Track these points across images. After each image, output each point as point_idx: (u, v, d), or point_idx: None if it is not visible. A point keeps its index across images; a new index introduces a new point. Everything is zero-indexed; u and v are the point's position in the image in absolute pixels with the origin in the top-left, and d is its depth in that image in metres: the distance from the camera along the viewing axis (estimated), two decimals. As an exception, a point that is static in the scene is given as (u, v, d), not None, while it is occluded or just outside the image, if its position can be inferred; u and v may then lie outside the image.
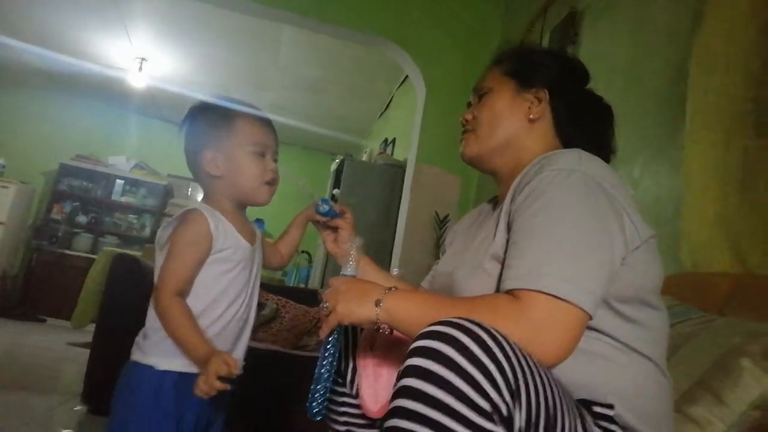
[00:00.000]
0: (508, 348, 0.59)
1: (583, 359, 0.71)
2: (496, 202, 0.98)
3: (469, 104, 0.99)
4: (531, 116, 0.89)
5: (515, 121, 0.89)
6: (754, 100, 1.24)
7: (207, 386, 0.81)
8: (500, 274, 0.76)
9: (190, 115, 1.04)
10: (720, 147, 1.29)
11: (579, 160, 0.76)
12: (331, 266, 3.75)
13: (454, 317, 0.60)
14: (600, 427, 0.68)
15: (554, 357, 0.67)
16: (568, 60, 0.95)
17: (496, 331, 0.60)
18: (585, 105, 0.92)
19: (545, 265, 0.68)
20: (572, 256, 0.69)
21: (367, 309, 0.74)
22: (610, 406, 0.68)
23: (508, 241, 0.77)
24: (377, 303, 0.73)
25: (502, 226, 0.80)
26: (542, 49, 0.96)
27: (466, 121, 0.95)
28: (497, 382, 0.56)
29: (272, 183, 1.02)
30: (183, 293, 0.92)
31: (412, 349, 0.60)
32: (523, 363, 0.60)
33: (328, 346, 0.85)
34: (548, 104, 0.89)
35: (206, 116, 1.01)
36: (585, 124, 0.90)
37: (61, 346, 3.77)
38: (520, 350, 0.61)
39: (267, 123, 1.03)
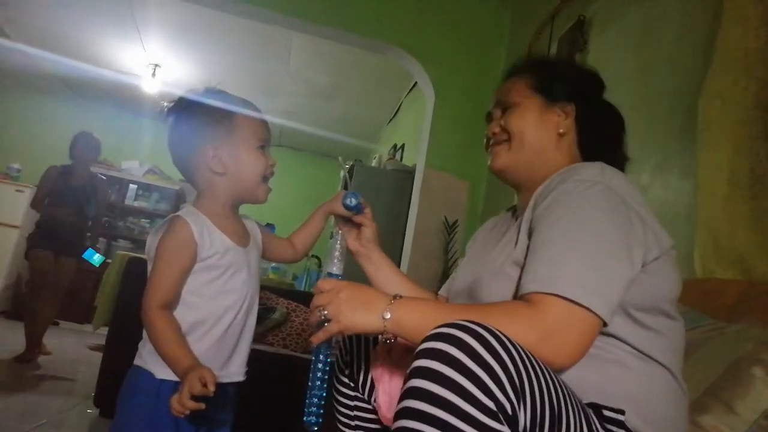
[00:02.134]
0: (512, 349, 0.60)
1: (597, 365, 0.72)
2: (515, 210, 0.99)
3: (489, 116, 0.99)
4: (560, 130, 0.91)
5: (545, 135, 0.91)
6: (763, 107, 1.23)
7: (179, 405, 0.78)
8: (520, 278, 0.76)
9: (180, 108, 0.98)
10: (728, 154, 1.29)
11: (602, 173, 0.78)
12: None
13: (465, 320, 0.61)
14: (608, 430, 0.68)
15: (565, 360, 0.68)
16: (587, 72, 0.96)
17: (501, 333, 0.61)
18: (605, 116, 0.94)
19: (563, 270, 0.69)
20: (589, 263, 0.70)
21: (373, 320, 0.73)
22: (621, 412, 0.69)
23: (528, 246, 0.78)
24: (384, 314, 0.72)
25: (524, 232, 0.81)
26: (561, 61, 0.97)
27: (494, 134, 0.96)
28: (502, 382, 0.57)
29: (269, 178, 1.00)
30: (168, 305, 0.89)
31: (419, 351, 0.61)
32: (528, 364, 0.61)
33: (321, 355, 0.83)
34: (574, 118, 0.91)
35: (203, 111, 0.96)
36: (606, 134, 0.93)
37: (75, 349, 3.82)
38: (525, 351, 0.62)
39: (263, 118, 1.01)
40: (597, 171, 0.78)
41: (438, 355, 0.58)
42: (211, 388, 0.78)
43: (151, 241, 0.94)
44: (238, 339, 0.97)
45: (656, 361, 0.74)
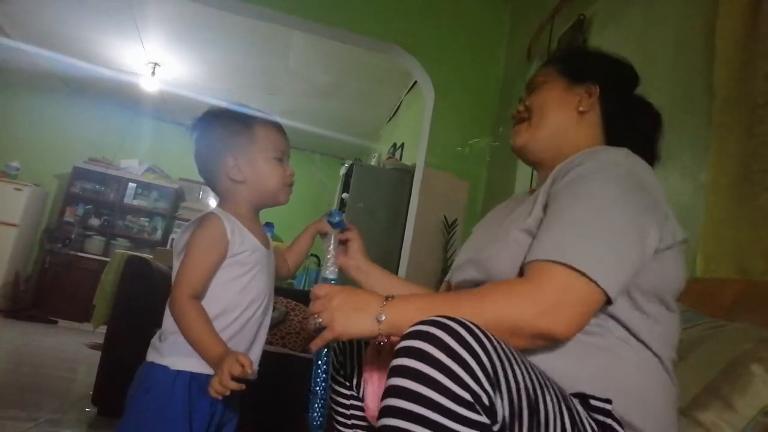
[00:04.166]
0: (485, 341, 0.61)
1: (588, 354, 0.72)
2: (532, 192, 0.99)
3: (521, 100, 1.00)
4: (580, 108, 0.90)
5: (565, 112, 0.91)
6: (762, 105, 1.24)
7: (221, 386, 0.82)
8: (530, 247, 0.76)
9: (204, 121, 1.05)
10: (729, 153, 1.29)
11: (626, 157, 0.78)
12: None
13: (440, 316, 0.62)
14: (595, 420, 0.68)
15: (565, 330, 0.68)
16: (619, 62, 0.96)
17: (474, 325, 0.62)
18: (634, 106, 0.93)
19: (574, 243, 0.70)
20: (602, 240, 0.70)
21: (367, 323, 0.73)
22: (608, 401, 0.69)
23: (542, 219, 0.78)
24: (378, 316, 0.72)
25: (539, 204, 0.81)
26: (595, 51, 0.98)
27: (518, 112, 0.97)
28: (476, 373, 0.58)
29: (291, 185, 1.05)
30: (198, 295, 0.93)
31: (396, 349, 0.62)
32: (502, 354, 0.62)
33: (320, 362, 0.84)
34: (598, 100, 0.91)
35: (224, 123, 1.03)
36: (632, 125, 0.91)
37: (73, 348, 3.82)
38: (499, 342, 0.63)
39: (282, 129, 1.06)
40: (621, 154, 0.78)
41: (412, 353, 0.59)
42: (249, 371, 0.82)
43: (180, 238, 0.99)
44: (254, 336, 1.00)
45: (649, 348, 0.74)
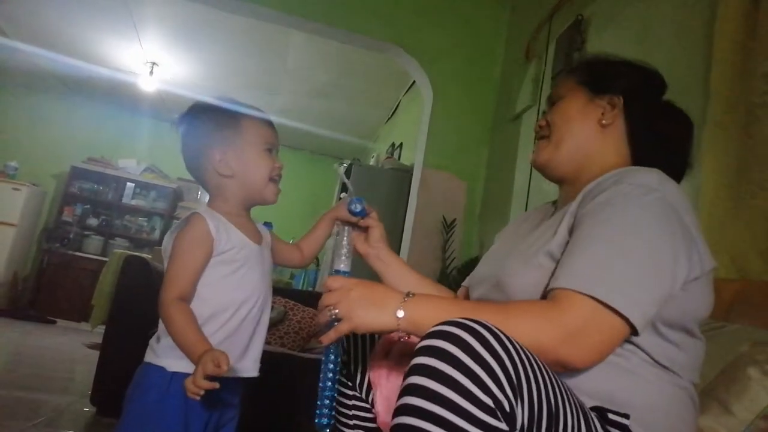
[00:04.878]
0: (510, 347, 0.60)
1: (611, 373, 0.71)
2: (555, 205, 0.97)
3: (544, 113, 0.98)
4: (603, 121, 0.87)
5: (587, 126, 0.88)
6: (759, 105, 1.24)
7: (194, 386, 0.80)
8: (553, 271, 0.75)
9: (190, 115, 1.03)
10: (725, 153, 1.29)
11: (659, 181, 0.75)
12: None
13: (465, 318, 0.61)
14: None
15: (585, 361, 0.67)
16: (643, 69, 0.91)
17: (500, 331, 0.60)
18: (661, 115, 0.89)
19: (601, 272, 0.68)
20: (631, 270, 0.68)
21: (386, 318, 0.72)
22: (626, 416, 0.68)
23: (568, 242, 0.76)
24: (397, 312, 0.71)
25: (564, 226, 0.78)
26: (618, 59, 0.94)
27: (540, 127, 0.94)
28: (499, 379, 0.57)
29: (278, 179, 1.03)
30: (185, 296, 0.92)
31: (418, 348, 0.60)
32: (526, 361, 0.60)
33: (331, 355, 0.83)
34: (622, 111, 0.87)
35: (210, 116, 1.01)
36: (660, 134, 0.87)
37: (71, 347, 3.81)
38: (524, 350, 0.61)
39: (270, 122, 1.05)
40: (655, 178, 0.75)
41: (436, 353, 0.58)
42: (224, 368, 0.79)
43: (168, 239, 0.97)
44: (252, 334, 0.99)
45: (670, 370, 0.73)
